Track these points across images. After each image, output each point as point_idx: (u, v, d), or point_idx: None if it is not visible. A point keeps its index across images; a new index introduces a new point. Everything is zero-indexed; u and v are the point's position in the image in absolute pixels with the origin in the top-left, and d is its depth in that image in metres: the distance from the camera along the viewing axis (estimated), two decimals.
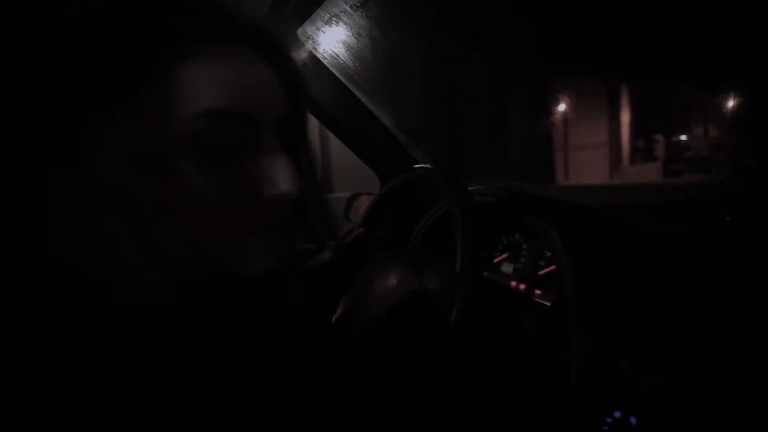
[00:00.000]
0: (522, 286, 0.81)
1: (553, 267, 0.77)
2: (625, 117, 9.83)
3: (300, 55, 0.94)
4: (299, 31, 0.90)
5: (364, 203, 0.94)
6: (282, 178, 0.31)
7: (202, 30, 0.29)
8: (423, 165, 1.00)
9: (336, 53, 0.97)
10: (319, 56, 0.96)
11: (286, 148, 0.33)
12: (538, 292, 0.77)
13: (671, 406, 0.43)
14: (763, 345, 0.43)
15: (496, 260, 0.90)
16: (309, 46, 0.94)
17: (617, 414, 0.45)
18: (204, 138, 0.28)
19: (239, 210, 0.30)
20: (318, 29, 0.91)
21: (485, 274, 0.89)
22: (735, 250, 0.56)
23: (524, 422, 0.54)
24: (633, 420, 0.44)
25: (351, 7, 0.89)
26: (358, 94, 1.04)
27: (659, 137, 8.73)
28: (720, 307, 0.48)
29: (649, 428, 0.43)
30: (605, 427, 0.45)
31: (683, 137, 9.45)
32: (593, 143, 10.23)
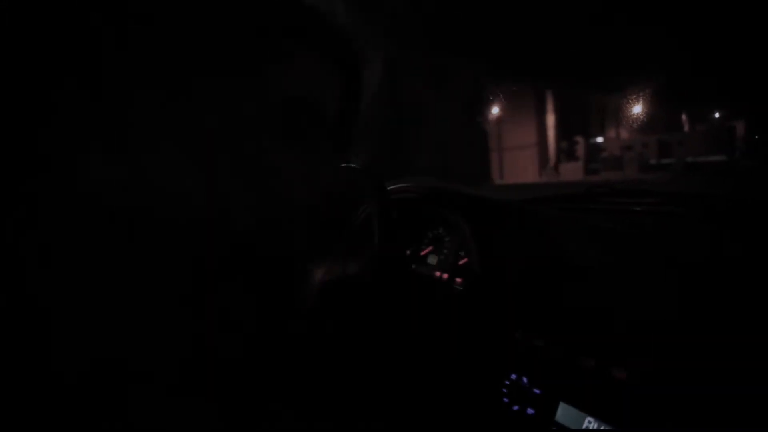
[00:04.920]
0: (445, 276, 0.88)
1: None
2: (551, 120, 10.62)
3: None
4: None
5: None
6: None
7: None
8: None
9: None
10: None
11: None
12: (459, 280, 0.85)
13: (555, 366, 0.51)
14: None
15: (422, 253, 0.97)
16: None
17: (513, 376, 0.52)
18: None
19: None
20: None
21: (413, 266, 0.96)
22: (639, 236, 0.65)
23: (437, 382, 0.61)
24: (525, 380, 0.52)
25: None
26: None
27: (579, 139, 9.55)
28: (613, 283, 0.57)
29: (539, 386, 0.51)
30: (504, 389, 0.52)
31: (600, 139, 10.42)
32: (524, 144, 10.95)
